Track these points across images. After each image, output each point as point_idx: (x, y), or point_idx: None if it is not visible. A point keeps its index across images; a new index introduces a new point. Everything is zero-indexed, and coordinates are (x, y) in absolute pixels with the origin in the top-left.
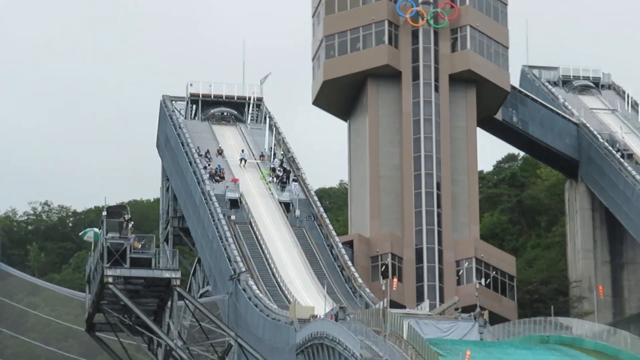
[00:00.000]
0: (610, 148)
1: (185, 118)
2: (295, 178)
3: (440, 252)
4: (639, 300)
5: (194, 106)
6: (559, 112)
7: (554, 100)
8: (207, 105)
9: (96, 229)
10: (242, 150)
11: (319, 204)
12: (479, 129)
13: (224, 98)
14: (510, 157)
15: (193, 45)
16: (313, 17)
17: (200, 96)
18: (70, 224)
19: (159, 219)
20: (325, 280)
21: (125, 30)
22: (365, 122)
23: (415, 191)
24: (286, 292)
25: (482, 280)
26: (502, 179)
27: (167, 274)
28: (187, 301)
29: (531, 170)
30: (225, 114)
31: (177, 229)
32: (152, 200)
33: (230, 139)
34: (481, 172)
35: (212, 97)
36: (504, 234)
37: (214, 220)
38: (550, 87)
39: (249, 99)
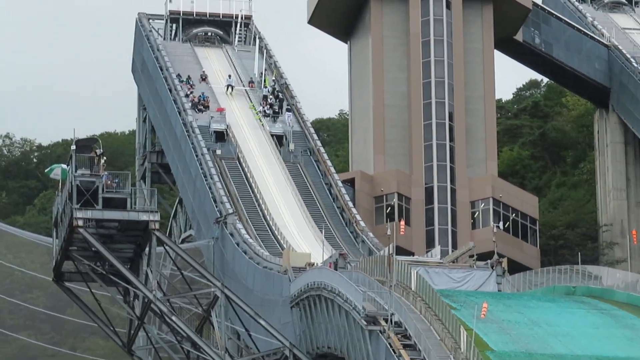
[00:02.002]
0: None
1: (164, 39)
2: (289, 107)
3: (453, 191)
4: None
5: (174, 25)
6: (587, 32)
7: (581, 19)
8: (188, 25)
9: (64, 166)
10: (229, 76)
11: (316, 136)
12: (497, 52)
13: (207, 16)
14: (533, 84)
15: None
16: None
17: (181, 14)
18: (34, 160)
19: (134, 153)
20: (323, 223)
21: None
22: (368, 44)
23: (425, 122)
24: (279, 237)
25: (501, 224)
26: (523, 108)
27: (144, 217)
28: (167, 247)
29: (556, 98)
30: (209, 34)
31: (156, 165)
32: (127, 132)
33: (215, 63)
34: (499, 100)
35: (195, 15)
36: (525, 171)
37: (197, 156)
38: (577, 3)
39: (236, 17)
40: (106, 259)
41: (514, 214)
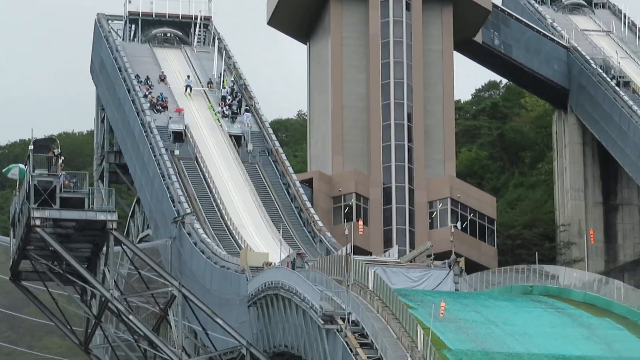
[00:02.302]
0: (604, 75)
1: (123, 40)
2: (248, 108)
3: (411, 191)
4: (634, 246)
5: (133, 26)
6: (547, 33)
7: (540, 21)
8: (148, 25)
9: (22, 165)
10: (188, 77)
11: (274, 137)
12: (456, 53)
13: (167, 17)
14: (492, 85)
15: None
16: None
17: (140, 15)
18: None
19: (93, 153)
20: (280, 223)
21: None
22: (327, 45)
23: (384, 123)
24: (237, 236)
25: (458, 224)
26: (481, 109)
27: (102, 216)
28: (124, 246)
29: (515, 99)
30: (168, 35)
31: (114, 165)
32: (85, 132)
33: (174, 64)
34: (458, 101)
35: (154, 15)
36: (483, 171)
37: (155, 156)
38: (536, 5)
39: (196, 18)
40: (63, 259)
41: (471, 214)
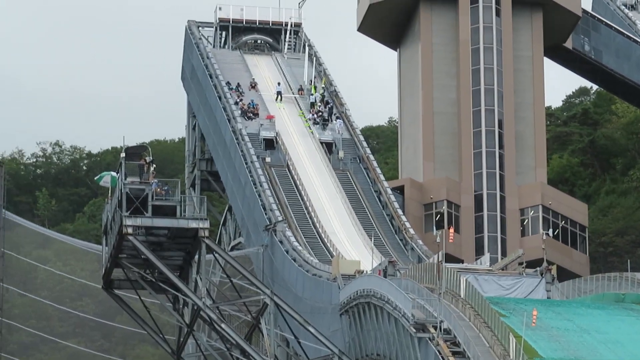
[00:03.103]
0: None
1: (213, 46)
2: (339, 115)
3: (502, 198)
4: None
5: (224, 33)
6: (637, 39)
7: (631, 26)
8: (238, 32)
9: (113, 173)
10: (278, 83)
11: (365, 144)
12: (546, 59)
13: (257, 24)
14: (582, 91)
15: None
16: None
17: (231, 21)
18: (84, 167)
19: (184, 161)
20: (372, 231)
21: None
22: (417, 51)
23: (474, 130)
24: (328, 244)
25: (550, 231)
26: (572, 115)
27: (193, 224)
28: (216, 255)
29: (605, 105)
30: (258, 41)
31: (205, 172)
32: (176, 140)
33: (264, 71)
34: (549, 108)
35: (244, 22)
36: (574, 178)
37: (246, 163)
38: (626, 10)
39: (286, 24)
40: (155, 267)
41: (563, 222)
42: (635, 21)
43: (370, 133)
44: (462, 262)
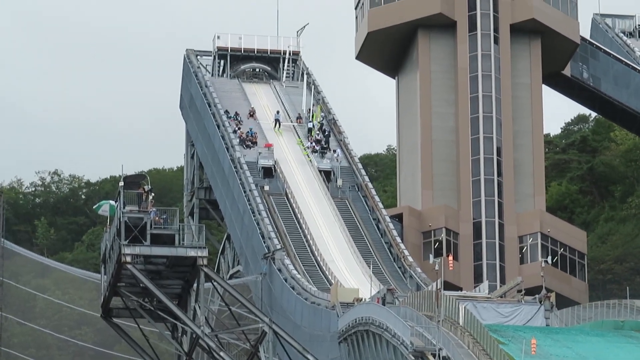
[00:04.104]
0: None
1: (212, 75)
2: (337, 143)
3: (501, 226)
4: None
5: (222, 61)
6: (636, 66)
7: (629, 54)
8: (236, 61)
9: (112, 202)
10: (277, 112)
11: (363, 172)
12: (544, 87)
13: (255, 52)
14: (581, 119)
15: None
16: None
17: (229, 50)
18: (83, 196)
19: (182, 189)
20: (371, 258)
21: None
22: (415, 79)
23: (473, 157)
24: (327, 272)
25: (549, 259)
26: (571, 143)
27: (192, 252)
28: (215, 283)
29: (604, 133)
30: (257, 70)
31: (204, 201)
32: (175, 168)
33: (263, 99)
34: (547, 135)
35: (243, 51)
36: (573, 205)
37: (245, 191)
38: (625, 38)
39: (284, 53)
40: (154, 295)
41: (562, 249)
42: (634, 48)
43: (368, 161)
44: (461, 289)
